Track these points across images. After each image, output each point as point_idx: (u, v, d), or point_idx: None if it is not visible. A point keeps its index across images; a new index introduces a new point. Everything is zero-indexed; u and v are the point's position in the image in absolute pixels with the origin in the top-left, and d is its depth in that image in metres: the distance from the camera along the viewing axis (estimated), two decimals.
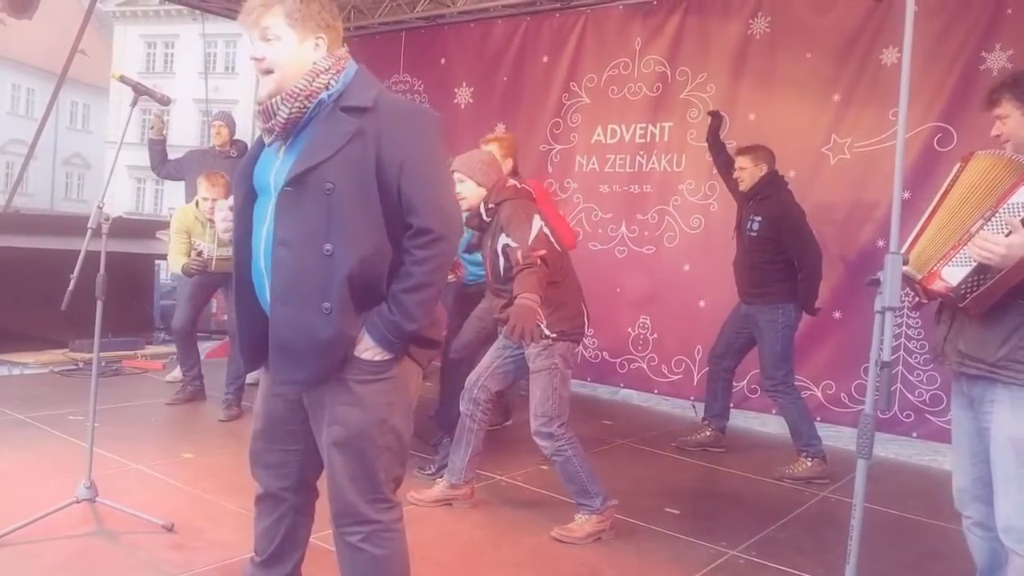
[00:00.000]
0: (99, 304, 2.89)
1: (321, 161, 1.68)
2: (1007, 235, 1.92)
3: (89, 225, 2.81)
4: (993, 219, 1.98)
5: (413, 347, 1.82)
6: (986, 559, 2.21)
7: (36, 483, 3.27)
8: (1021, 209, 1.95)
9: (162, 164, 5.39)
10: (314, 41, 1.76)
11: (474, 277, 4.29)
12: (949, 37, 4.42)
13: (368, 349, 1.75)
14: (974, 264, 1.98)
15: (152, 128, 5.40)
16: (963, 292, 2.01)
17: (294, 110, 1.73)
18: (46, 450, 3.73)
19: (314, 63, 1.75)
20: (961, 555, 2.33)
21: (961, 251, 2.02)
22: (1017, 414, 1.99)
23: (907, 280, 2.12)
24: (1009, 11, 4.28)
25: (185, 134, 24.85)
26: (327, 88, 1.75)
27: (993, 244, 1.92)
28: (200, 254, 4.46)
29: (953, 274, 2.03)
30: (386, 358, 1.76)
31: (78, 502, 2.86)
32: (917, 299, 2.23)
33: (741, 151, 4.29)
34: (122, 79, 3.00)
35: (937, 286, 2.07)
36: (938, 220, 2.12)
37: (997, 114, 2.12)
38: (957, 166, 2.17)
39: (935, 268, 2.08)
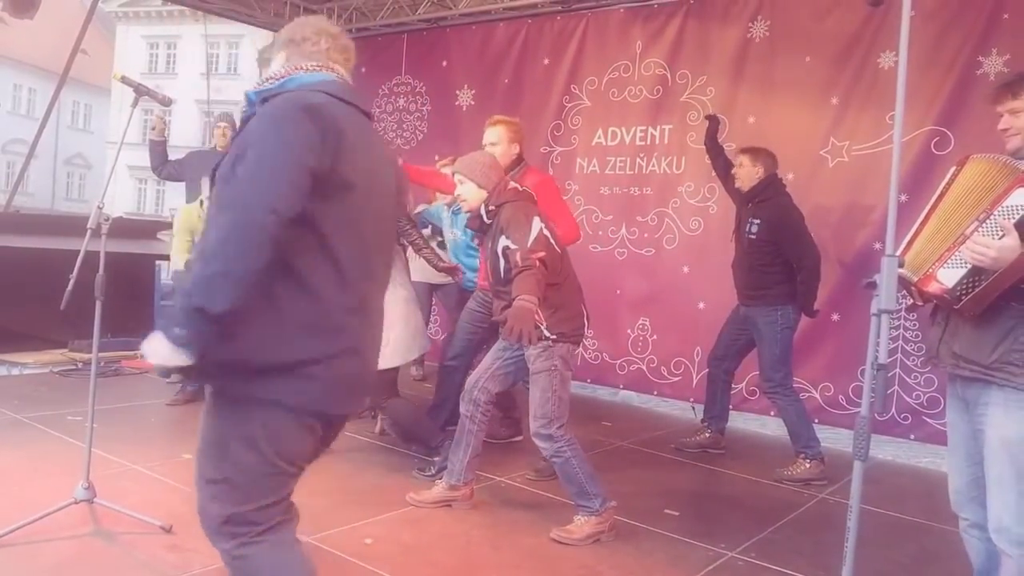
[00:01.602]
0: (98, 304, 2.90)
1: None
2: (1000, 238, 1.93)
3: (89, 225, 2.81)
4: (987, 222, 2.00)
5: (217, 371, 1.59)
6: (983, 560, 2.22)
7: (34, 483, 3.27)
8: (1015, 212, 1.97)
9: (162, 165, 5.38)
10: None
11: (470, 284, 4.32)
12: (946, 41, 4.44)
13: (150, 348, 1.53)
14: (968, 266, 2.00)
15: (154, 129, 5.39)
16: (958, 294, 2.02)
17: None
18: (45, 450, 3.74)
19: None
20: (958, 557, 2.34)
21: (956, 253, 2.04)
22: (1010, 416, 2.00)
23: (903, 282, 2.12)
24: (1006, 16, 4.30)
25: (187, 135, 24.88)
26: None
27: (985, 246, 1.94)
28: None
29: (948, 276, 2.05)
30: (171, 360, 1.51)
31: (76, 503, 2.86)
32: (912, 302, 2.23)
33: (744, 150, 4.30)
34: (123, 80, 3.00)
35: (932, 288, 2.08)
36: (934, 223, 2.13)
37: (1011, 108, 2.09)
38: (952, 169, 2.18)
39: (930, 270, 2.09)
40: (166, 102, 3.12)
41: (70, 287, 2.73)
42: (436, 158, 5.21)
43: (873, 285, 1.83)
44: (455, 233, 4.47)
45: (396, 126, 6.94)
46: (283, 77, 1.76)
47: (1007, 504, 2.00)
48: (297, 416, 1.65)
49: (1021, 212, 1.96)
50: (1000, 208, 1.99)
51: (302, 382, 1.63)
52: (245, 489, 1.66)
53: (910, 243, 2.16)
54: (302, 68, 1.78)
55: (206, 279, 1.49)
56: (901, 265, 1.89)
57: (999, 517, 2.02)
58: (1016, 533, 1.99)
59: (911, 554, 3.29)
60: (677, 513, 3.56)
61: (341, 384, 1.70)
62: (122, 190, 29.83)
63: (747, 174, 4.20)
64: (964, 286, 2.01)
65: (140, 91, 2.94)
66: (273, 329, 1.60)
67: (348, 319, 1.70)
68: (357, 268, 1.70)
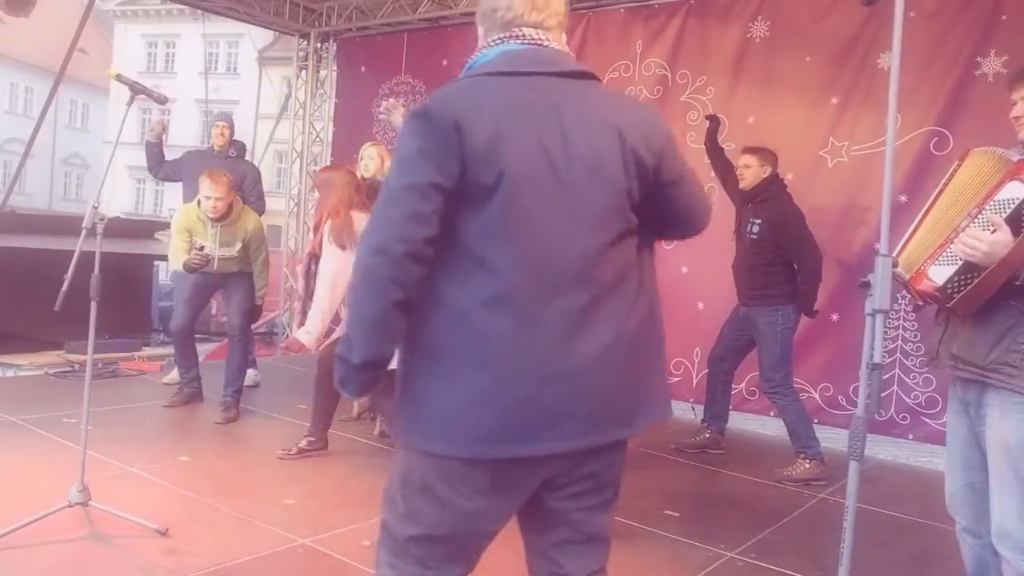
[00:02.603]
0: (93, 305, 2.87)
1: None
2: (993, 232, 1.89)
3: (84, 225, 2.79)
4: (979, 217, 1.96)
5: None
6: (974, 565, 2.19)
7: (29, 486, 3.25)
8: (1007, 206, 1.92)
9: (159, 166, 5.35)
10: None
11: None
12: (945, 42, 4.44)
13: None
14: (960, 262, 1.95)
15: (152, 131, 5.34)
16: (950, 292, 1.98)
17: None
18: (40, 453, 3.71)
19: None
20: (956, 556, 2.32)
21: (947, 249, 1.99)
22: (1007, 419, 1.97)
23: (900, 282, 2.10)
24: (1004, 17, 4.31)
25: (186, 134, 24.79)
26: None
27: (976, 241, 1.89)
28: (201, 249, 4.44)
29: (939, 273, 2.00)
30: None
31: (71, 506, 2.83)
32: (915, 302, 2.20)
33: (748, 150, 4.29)
34: (118, 78, 2.98)
35: (924, 286, 2.04)
36: (929, 220, 2.09)
37: None
38: (955, 165, 2.14)
39: (922, 268, 2.05)
40: (162, 100, 3.09)
41: (64, 287, 2.71)
42: None
43: (867, 285, 1.80)
44: None
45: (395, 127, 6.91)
46: (471, 61, 1.58)
47: (1009, 508, 1.97)
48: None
49: (1013, 206, 1.91)
50: (992, 202, 1.95)
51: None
52: None
53: (907, 241, 2.13)
54: (486, 45, 1.56)
55: (346, 329, 1.45)
56: (895, 265, 1.85)
57: (1001, 521, 1.99)
58: (1018, 539, 1.96)
59: (909, 554, 3.28)
60: (677, 514, 3.55)
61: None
62: (120, 190, 29.79)
63: (754, 174, 4.18)
64: (956, 283, 1.96)
65: (135, 89, 2.92)
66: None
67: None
68: (526, 278, 1.39)
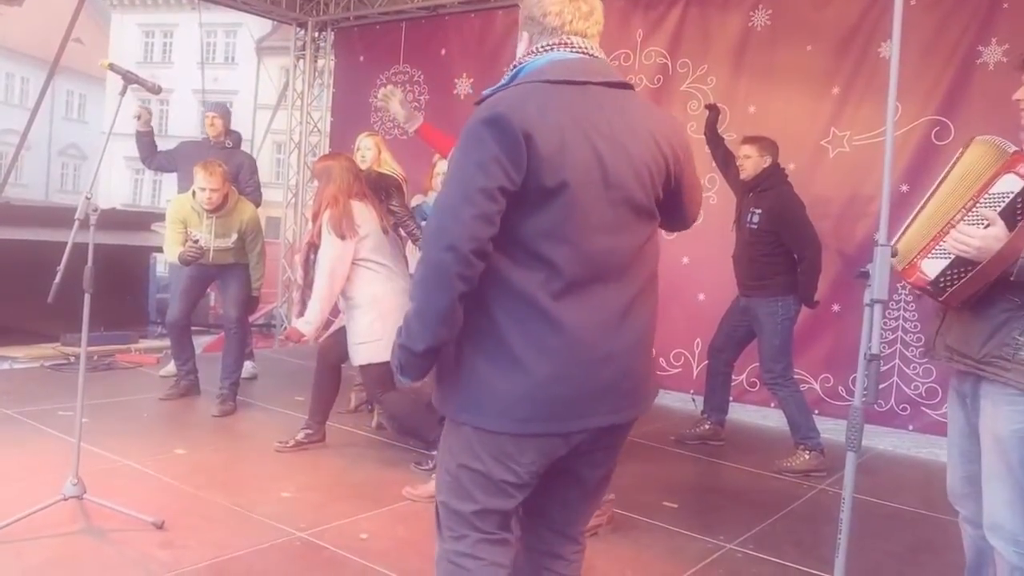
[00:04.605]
0: (87, 297, 2.84)
1: None
2: (986, 227, 1.86)
3: (77, 216, 2.76)
4: (973, 210, 1.92)
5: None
6: (973, 555, 2.19)
7: (23, 480, 3.23)
8: (1001, 200, 1.88)
9: (151, 156, 5.26)
10: None
11: None
12: (946, 31, 4.41)
13: None
14: (952, 257, 1.92)
15: (139, 118, 5.13)
16: (942, 285, 1.95)
17: None
18: (35, 446, 3.69)
19: None
20: (954, 547, 2.32)
21: (941, 243, 1.96)
22: (999, 411, 1.95)
23: (896, 272, 2.07)
24: (1005, 5, 4.28)
25: (184, 125, 24.72)
26: None
27: (968, 236, 1.86)
28: (196, 242, 4.40)
29: (932, 267, 1.97)
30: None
31: (65, 499, 2.81)
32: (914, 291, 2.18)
33: (748, 140, 4.26)
34: (111, 67, 2.94)
35: (916, 279, 2.01)
36: (927, 211, 2.06)
37: None
38: (959, 152, 2.10)
39: (915, 260, 2.01)
40: (155, 90, 3.05)
41: (57, 279, 2.68)
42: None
43: (866, 275, 1.77)
44: None
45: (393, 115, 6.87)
46: (518, 66, 1.64)
47: (999, 500, 1.96)
48: None
49: (1007, 200, 1.87)
50: (986, 196, 1.91)
51: None
52: None
53: (904, 231, 2.09)
54: (534, 52, 1.63)
55: (407, 318, 1.54)
56: (895, 255, 1.82)
57: (992, 513, 1.98)
58: (1009, 531, 1.95)
59: (907, 544, 3.28)
60: (676, 505, 3.54)
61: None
62: (118, 181, 29.72)
63: (755, 164, 4.16)
64: (948, 277, 1.93)
65: (128, 79, 2.88)
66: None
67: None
68: (584, 272, 1.54)
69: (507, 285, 1.52)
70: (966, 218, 1.93)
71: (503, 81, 1.64)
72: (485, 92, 1.61)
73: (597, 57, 1.64)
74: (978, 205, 1.92)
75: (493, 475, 1.58)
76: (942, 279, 1.95)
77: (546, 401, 1.53)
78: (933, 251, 1.98)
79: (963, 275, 1.91)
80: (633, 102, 1.65)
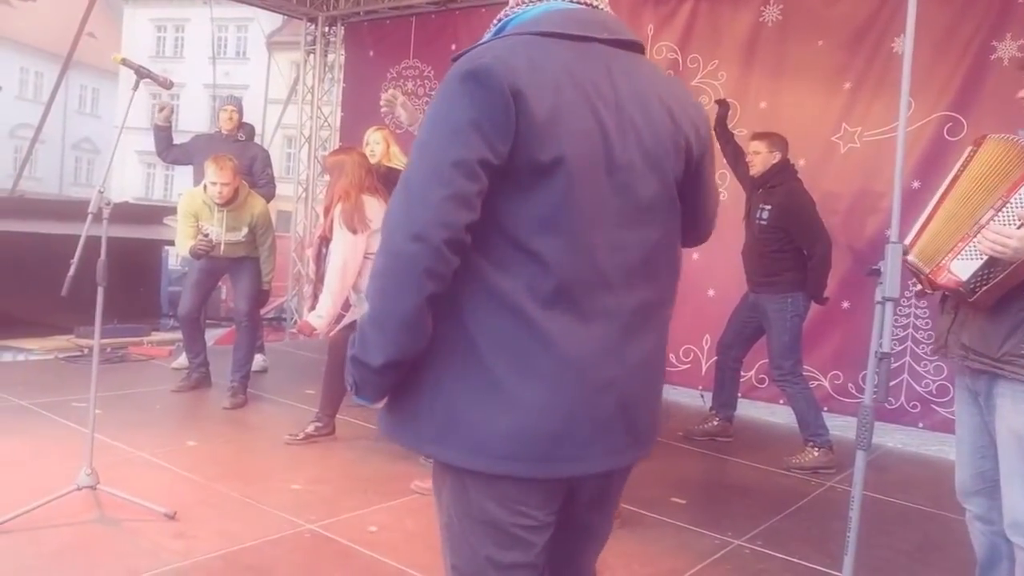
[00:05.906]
0: (100, 290, 2.87)
1: None
2: (1019, 227, 1.86)
3: (89, 210, 2.78)
4: (1004, 209, 1.91)
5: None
6: (986, 552, 2.18)
7: (38, 470, 3.27)
8: None
9: (167, 150, 5.32)
10: None
11: None
12: (960, 26, 4.37)
13: None
14: (984, 258, 1.92)
15: (161, 111, 5.25)
16: (973, 287, 1.95)
17: None
18: (49, 437, 3.74)
19: None
20: (963, 545, 2.31)
21: (971, 244, 1.95)
22: (1019, 409, 1.94)
23: (914, 271, 2.07)
24: (1020, 0, 4.22)
25: (195, 119, 24.84)
26: None
27: (1005, 237, 1.85)
28: (207, 235, 4.43)
29: (963, 268, 1.96)
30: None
31: (79, 489, 2.85)
32: (920, 288, 2.17)
33: (757, 136, 4.25)
34: (124, 62, 2.97)
35: (945, 280, 2.00)
36: (946, 209, 2.05)
37: None
38: (969, 150, 2.09)
39: (943, 261, 2.00)
40: (167, 85, 3.08)
41: (71, 272, 2.71)
42: None
43: (877, 272, 1.76)
44: None
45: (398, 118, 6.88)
46: (504, 18, 1.35)
47: (1021, 498, 1.96)
48: None
49: None
50: (1017, 195, 1.91)
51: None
52: None
53: (921, 230, 2.08)
54: (526, 1, 1.33)
55: (361, 325, 1.22)
56: (906, 253, 1.81)
57: (1013, 511, 1.97)
58: None
59: (916, 542, 3.27)
60: (684, 501, 3.54)
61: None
62: (130, 175, 29.90)
63: (764, 161, 4.15)
64: (979, 278, 1.93)
65: (141, 74, 2.90)
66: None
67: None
68: (581, 273, 1.22)
69: (486, 288, 1.20)
70: (996, 218, 1.92)
71: (486, 36, 1.34)
72: (462, 51, 1.28)
73: (602, 9, 1.34)
74: (1009, 204, 1.91)
75: (501, 522, 1.27)
76: (973, 280, 1.94)
77: (532, 439, 1.21)
78: (963, 252, 1.97)
79: (994, 275, 1.90)
80: (646, 66, 1.33)
